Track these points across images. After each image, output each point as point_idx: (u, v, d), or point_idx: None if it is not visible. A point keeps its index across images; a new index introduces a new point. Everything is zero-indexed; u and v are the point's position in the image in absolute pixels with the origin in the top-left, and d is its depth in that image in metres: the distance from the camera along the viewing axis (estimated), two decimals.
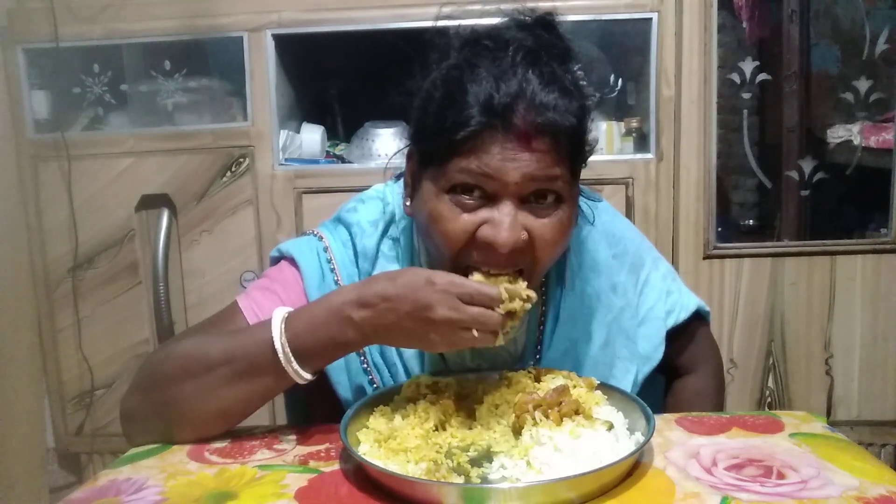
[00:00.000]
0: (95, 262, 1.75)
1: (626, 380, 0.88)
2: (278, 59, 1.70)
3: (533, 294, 0.72)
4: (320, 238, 0.87)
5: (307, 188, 1.69)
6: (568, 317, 0.86)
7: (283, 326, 0.72)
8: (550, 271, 0.86)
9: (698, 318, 0.98)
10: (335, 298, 0.72)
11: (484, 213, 0.71)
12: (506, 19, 0.75)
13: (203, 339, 0.78)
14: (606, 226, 0.92)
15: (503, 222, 0.70)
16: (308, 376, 0.73)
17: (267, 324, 0.73)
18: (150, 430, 0.77)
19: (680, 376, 0.99)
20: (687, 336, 0.97)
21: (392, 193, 0.89)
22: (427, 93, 0.75)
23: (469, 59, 0.72)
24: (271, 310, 0.77)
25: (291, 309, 0.74)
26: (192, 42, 1.72)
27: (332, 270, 0.84)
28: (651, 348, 0.90)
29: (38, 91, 1.75)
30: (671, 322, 0.93)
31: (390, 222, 0.86)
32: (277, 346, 0.71)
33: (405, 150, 0.83)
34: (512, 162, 0.69)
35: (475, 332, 0.68)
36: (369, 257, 0.85)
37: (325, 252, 0.85)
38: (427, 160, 0.75)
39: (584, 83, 0.75)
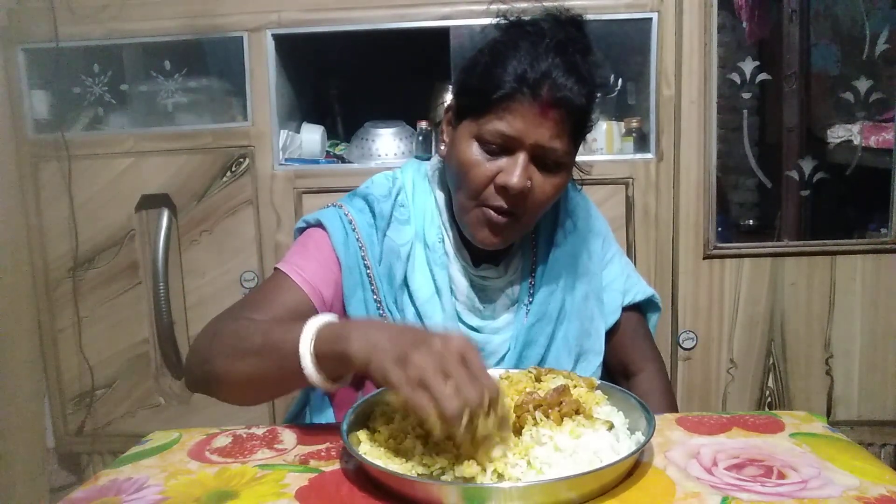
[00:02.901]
0: (95, 261, 1.75)
1: (602, 334, 1.03)
2: (278, 59, 1.70)
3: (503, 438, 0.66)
4: (340, 206, 0.99)
5: (307, 188, 1.69)
6: (554, 264, 1.00)
7: (314, 336, 0.72)
8: (540, 227, 1.00)
9: (645, 317, 1.11)
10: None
11: (502, 162, 0.87)
12: (546, 14, 0.90)
13: (250, 324, 0.83)
14: (587, 207, 1.09)
15: (516, 171, 0.85)
16: (317, 379, 0.72)
17: (300, 326, 0.74)
18: (200, 385, 0.86)
19: (628, 376, 1.07)
20: (639, 324, 1.08)
21: (402, 173, 1.03)
22: (475, 58, 0.91)
23: (513, 38, 0.88)
24: (311, 268, 0.92)
25: (330, 319, 0.75)
26: (192, 42, 1.72)
27: (354, 230, 0.96)
28: (607, 313, 1.05)
29: (38, 91, 1.75)
30: (628, 299, 1.06)
31: (398, 193, 1.00)
32: (303, 350, 0.72)
33: (445, 104, 0.95)
34: (531, 127, 0.85)
35: (431, 403, 0.62)
36: (385, 218, 0.97)
37: (346, 216, 0.97)
38: (464, 112, 0.90)
39: (601, 73, 0.91)
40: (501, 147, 0.87)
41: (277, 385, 0.80)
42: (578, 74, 0.85)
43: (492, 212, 0.88)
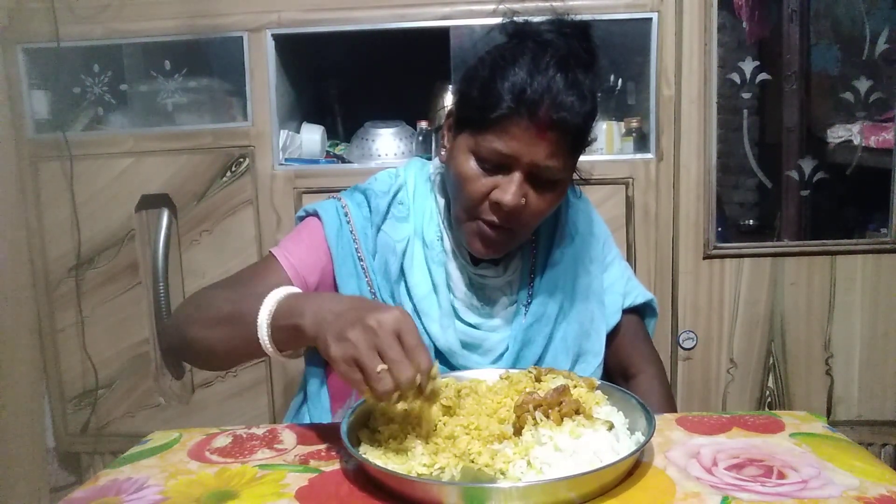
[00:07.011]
0: (95, 261, 1.75)
1: (603, 336, 1.03)
2: (278, 59, 1.70)
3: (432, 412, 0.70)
4: (339, 199, 1.02)
5: (307, 188, 1.69)
6: (554, 266, 1.02)
7: (272, 308, 0.76)
8: (541, 230, 1.01)
9: (644, 320, 1.12)
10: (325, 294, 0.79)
11: (497, 179, 0.88)
12: (551, 22, 0.89)
13: (221, 293, 0.88)
14: (588, 212, 1.10)
15: (511, 189, 0.86)
16: (270, 347, 0.76)
17: (264, 295, 0.78)
18: (174, 349, 0.92)
19: (627, 378, 1.08)
20: (638, 327, 1.10)
21: (405, 171, 1.05)
22: (475, 68, 0.90)
23: (514, 51, 0.87)
24: (299, 254, 0.96)
25: (290, 292, 0.79)
26: (192, 42, 1.72)
27: (348, 223, 0.99)
28: (608, 315, 1.06)
29: (38, 91, 1.74)
30: (628, 302, 1.08)
31: (398, 191, 1.01)
32: (261, 321, 0.76)
33: (446, 108, 0.95)
34: (527, 146, 0.84)
35: (363, 381, 0.66)
36: (380, 214, 0.99)
37: (343, 209, 1.00)
38: (463, 124, 0.91)
39: (602, 82, 0.90)
40: (497, 164, 0.87)
41: (241, 353, 0.83)
42: (579, 92, 0.85)
43: (485, 226, 0.90)
